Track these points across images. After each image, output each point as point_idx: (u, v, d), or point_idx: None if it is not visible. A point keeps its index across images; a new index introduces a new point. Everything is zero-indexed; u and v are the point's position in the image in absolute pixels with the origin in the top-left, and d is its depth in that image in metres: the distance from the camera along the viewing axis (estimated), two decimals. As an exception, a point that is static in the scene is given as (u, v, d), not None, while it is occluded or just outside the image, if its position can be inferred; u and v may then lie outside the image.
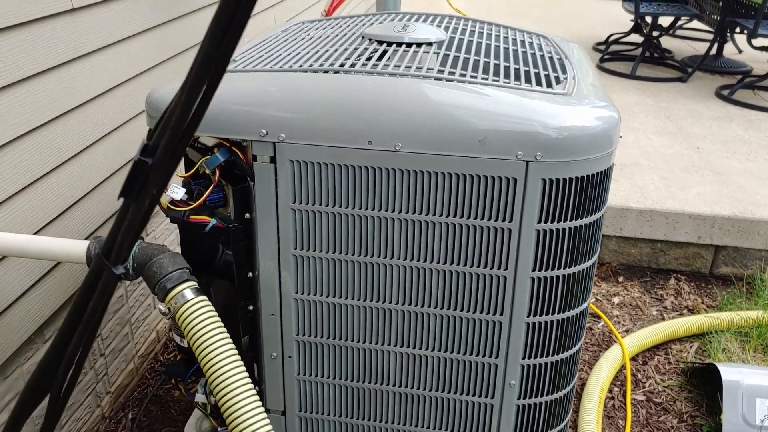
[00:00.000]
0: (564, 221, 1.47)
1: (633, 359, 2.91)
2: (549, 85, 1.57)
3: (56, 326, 2.10)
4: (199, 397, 1.79)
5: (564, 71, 1.72)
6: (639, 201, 3.38)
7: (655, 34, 5.88)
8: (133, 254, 1.59)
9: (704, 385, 2.71)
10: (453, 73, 1.56)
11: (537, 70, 1.68)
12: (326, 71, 1.54)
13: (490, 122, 1.41)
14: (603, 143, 1.45)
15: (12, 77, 1.74)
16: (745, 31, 4.98)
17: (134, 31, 2.31)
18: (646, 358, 2.96)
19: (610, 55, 6.08)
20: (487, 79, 1.54)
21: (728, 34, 5.90)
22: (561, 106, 1.47)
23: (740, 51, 6.44)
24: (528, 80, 1.58)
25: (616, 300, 3.32)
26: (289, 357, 1.69)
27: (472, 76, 1.55)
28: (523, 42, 1.97)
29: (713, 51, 5.78)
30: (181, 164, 1.70)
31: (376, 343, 1.64)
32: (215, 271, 1.80)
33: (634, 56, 5.82)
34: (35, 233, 1.90)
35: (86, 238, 2.03)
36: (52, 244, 1.62)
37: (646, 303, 3.31)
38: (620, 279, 3.45)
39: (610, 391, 2.81)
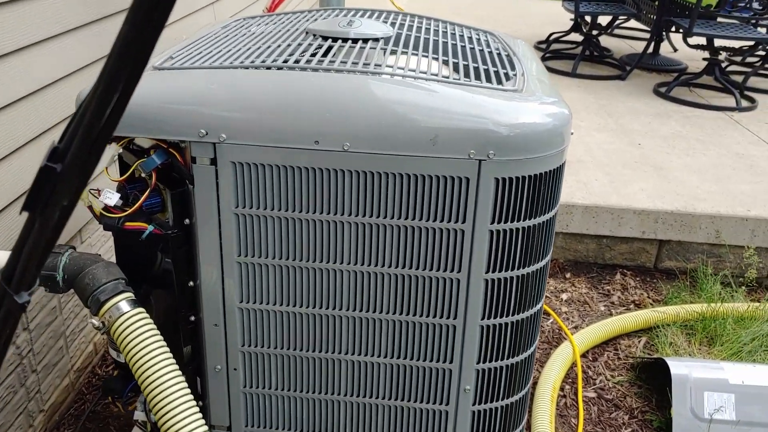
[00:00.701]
0: (517, 221, 1.43)
1: (583, 356, 2.92)
2: (499, 82, 1.53)
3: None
4: (138, 415, 1.69)
5: (513, 67, 1.69)
6: (584, 197, 3.40)
7: (595, 32, 5.97)
8: (64, 265, 1.48)
9: (653, 380, 2.73)
10: (402, 70, 1.50)
11: (486, 67, 1.64)
12: (269, 68, 1.46)
13: (441, 120, 1.36)
14: (555, 140, 1.42)
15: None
16: (681, 30, 5.09)
17: (64, 29, 2.18)
18: (596, 354, 2.97)
19: (551, 53, 6.14)
20: (436, 75, 1.49)
21: (664, 33, 6.03)
22: (512, 103, 1.43)
23: (675, 49, 6.60)
24: (478, 77, 1.54)
25: (564, 296, 3.34)
26: (234, 369, 1.61)
27: (421, 73, 1.49)
28: (470, 38, 1.94)
29: (650, 49, 5.90)
30: (115, 168, 1.59)
31: (327, 352, 1.58)
32: (154, 280, 1.70)
33: (574, 55, 5.90)
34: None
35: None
36: (-28, 256, 1.49)
37: (593, 299, 3.33)
38: (568, 275, 3.47)
39: (562, 389, 2.81)
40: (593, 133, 4.31)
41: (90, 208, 1.51)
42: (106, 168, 1.47)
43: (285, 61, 1.52)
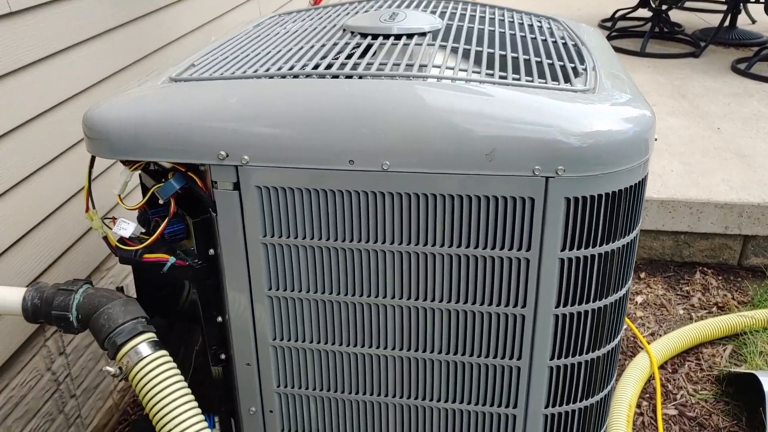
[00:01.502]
0: (592, 246, 1.21)
1: (662, 367, 2.66)
2: (567, 80, 1.30)
3: (12, 373, 1.85)
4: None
5: (582, 61, 1.45)
6: (659, 190, 3.11)
7: (664, 7, 5.56)
8: (78, 304, 1.33)
9: (742, 395, 2.45)
10: (451, 71, 1.29)
11: (551, 61, 1.41)
12: (296, 76, 1.27)
13: (499, 131, 1.14)
14: (637, 150, 1.18)
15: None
16: (762, 0, 4.67)
17: (90, 35, 2.04)
18: (675, 365, 2.70)
19: (617, 32, 5.77)
20: (492, 75, 1.27)
21: (741, 4, 5.57)
22: (584, 106, 1.20)
23: (754, 21, 6.11)
24: (542, 75, 1.31)
25: (639, 299, 3.06)
26: (270, 411, 1.44)
27: (474, 73, 1.28)
28: (530, 26, 1.70)
29: (726, 22, 5.46)
30: (136, 193, 1.44)
31: (372, 395, 1.39)
32: (182, 313, 1.55)
33: (642, 32, 5.51)
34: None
35: (29, 285, 1.76)
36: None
37: (671, 301, 3.04)
38: (642, 275, 3.19)
39: (639, 405, 2.56)
40: (666, 118, 3.98)
41: (105, 239, 1.36)
42: (119, 195, 1.31)
43: (315, 67, 1.32)
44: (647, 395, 2.62)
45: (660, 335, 2.78)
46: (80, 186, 2.04)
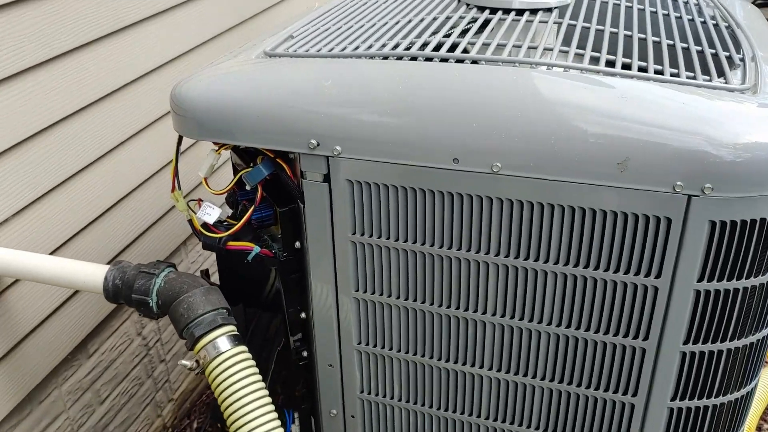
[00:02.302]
0: (736, 279, 1.01)
1: (789, 388, 2.37)
2: (721, 75, 1.09)
3: (103, 337, 1.85)
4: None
5: (738, 48, 1.22)
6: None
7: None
8: (158, 289, 1.27)
9: None
10: (581, 58, 1.11)
11: (700, 49, 1.19)
12: (400, 57, 1.12)
13: (636, 136, 0.96)
14: (807, 167, 0.97)
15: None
16: None
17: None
18: (805, 385, 2.40)
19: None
20: (630, 68, 1.07)
21: None
22: (742, 111, 0.99)
23: None
24: (690, 67, 1.10)
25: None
26: (352, 416, 1.34)
27: (608, 63, 1.09)
28: (675, 1, 1.47)
29: None
30: (228, 173, 1.35)
31: (461, 413, 1.26)
32: (267, 303, 1.47)
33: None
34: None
35: (109, 262, 1.73)
36: (64, 268, 1.33)
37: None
38: None
39: (759, 428, 2.31)
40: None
41: (190, 222, 1.29)
42: (205, 179, 1.22)
43: (423, 46, 1.17)
44: (769, 417, 2.36)
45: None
46: (164, 163, 1.98)
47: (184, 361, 1.22)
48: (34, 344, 1.58)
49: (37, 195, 1.51)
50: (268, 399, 1.21)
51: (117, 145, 1.76)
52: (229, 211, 1.36)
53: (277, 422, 1.19)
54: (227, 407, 1.19)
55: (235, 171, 1.35)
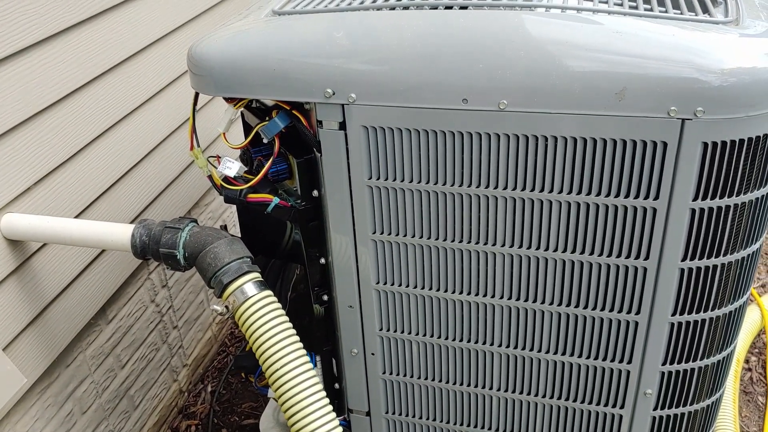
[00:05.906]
0: (728, 197, 1.10)
1: (773, 321, 2.50)
2: (705, 11, 1.17)
3: (120, 304, 1.92)
4: (272, 394, 1.57)
5: (719, -13, 1.30)
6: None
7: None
8: (184, 242, 1.34)
9: None
10: (577, 0, 1.18)
11: (684, -12, 1.27)
12: (406, 7, 1.19)
13: (631, 67, 1.04)
14: (788, 89, 1.05)
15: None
16: None
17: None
18: (788, 319, 2.53)
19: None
20: (622, 5, 1.15)
21: None
22: (727, 40, 1.07)
23: None
24: (676, 5, 1.18)
25: (749, 249, 2.87)
26: (372, 354, 1.43)
27: (602, 3, 1.16)
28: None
29: None
30: (238, 132, 1.42)
31: (475, 342, 1.35)
32: (285, 254, 1.54)
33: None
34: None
35: (132, 221, 1.79)
36: (91, 229, 1.39)
37: (785, 251, 2.85)
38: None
39: (747, 361, 2.43)
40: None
41: (210, 178, 1.35)
42: (224, 134, 1.29)
43: (426, -3, 1.23)
44: (756, 350, 2.48)
45: (773, 287, 2.61)
46: (180, 122, 2.05)
47: (215, 306, 1.29)
48: (60, 309, 1.64)
49: (57, 163, 1.57)
50: (296, 337, 1.28)
51: (123, 116, 1.81)
52: (245, 168, 1.43)
53: (306, 357, 1.27)
54: (258, 346, 1.26)
55: (247, 130, 1.42)
